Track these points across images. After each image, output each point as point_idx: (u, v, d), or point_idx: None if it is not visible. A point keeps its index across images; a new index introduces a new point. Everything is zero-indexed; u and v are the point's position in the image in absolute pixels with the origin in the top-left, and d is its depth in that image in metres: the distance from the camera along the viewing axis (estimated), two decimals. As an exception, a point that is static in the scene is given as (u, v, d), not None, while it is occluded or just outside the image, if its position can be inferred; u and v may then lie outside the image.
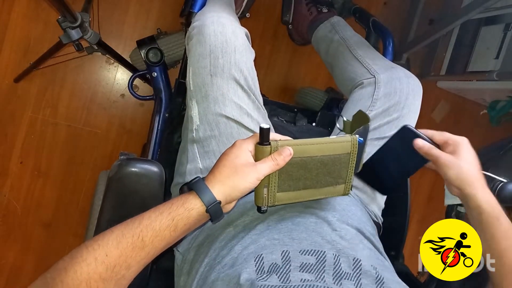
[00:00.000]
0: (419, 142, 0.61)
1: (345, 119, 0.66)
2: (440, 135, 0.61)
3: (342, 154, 0.55)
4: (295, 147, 0.52)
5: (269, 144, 0.51)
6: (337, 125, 0.74)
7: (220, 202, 0.49)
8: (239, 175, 0.49)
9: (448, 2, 1.58)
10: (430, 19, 1.57)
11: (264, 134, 0.51)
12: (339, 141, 0.55)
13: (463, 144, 0.58)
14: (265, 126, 0.50)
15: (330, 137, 0.55)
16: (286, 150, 0.51)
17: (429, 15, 1.56)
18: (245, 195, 0.52)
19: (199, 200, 0.48)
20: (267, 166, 0.50)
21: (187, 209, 0.48)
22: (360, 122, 0.59)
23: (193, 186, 0.50)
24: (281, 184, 0.53)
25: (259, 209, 0.55)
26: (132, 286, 0.47)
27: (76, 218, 1.37)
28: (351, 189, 0.60)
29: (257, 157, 0.52)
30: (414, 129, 0.68)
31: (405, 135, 0.65)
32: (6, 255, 1.34)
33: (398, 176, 0.74)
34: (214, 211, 0.49)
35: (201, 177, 0.51)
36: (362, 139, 0.56)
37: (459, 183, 0.56)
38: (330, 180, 0.56)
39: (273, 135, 0.54)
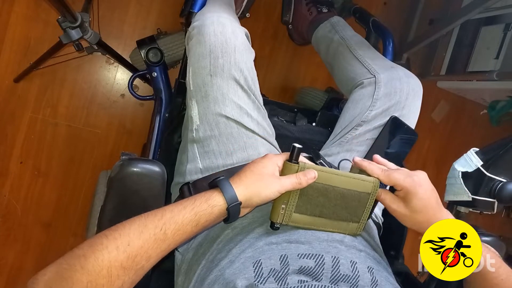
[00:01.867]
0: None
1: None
2: (387, 179, 0.56)
3: (362, 192, 0.57)
4: (321, 173, 0.54)
5: (298, 163, 0.54)
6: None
7: (240, 203, 0.51)
8: (263, 183, 0.52)
9: (448, 2, 1.58)
10: (430, 19, 1.57)
11: (295, 153, 0.54)
12: (362, 179, 0.57)
13: (412, 192, 0.55)
14: (298, 145, 0.53)
15: (357, 174, 0.57)
16: (311, 172, 0.53)
17: (429, 15, 1.56)
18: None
19: (222, 198, 0.50)
20: (290, 182, 0.53)
21: (210, 206, 0.49)
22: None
23: (219, 183, 0.51)
24: (299, 205, 0.55)
25: (272, 225, 0.57)
26: (134, 286, 0.47)
27: (76, 218, 1.37)
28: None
29: (283, 173, 0.54)
30: (401, 120, 0.72)
31: (392, 126, 0.65)
32: (6, 255, 1.34)
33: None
34: (233, 210, 0.51)
35: (224, 176, 0.53)
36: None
37: (423, 230, 0.55)
38: (345, 215, 0.58)
39: (303, 159, 0.56)
